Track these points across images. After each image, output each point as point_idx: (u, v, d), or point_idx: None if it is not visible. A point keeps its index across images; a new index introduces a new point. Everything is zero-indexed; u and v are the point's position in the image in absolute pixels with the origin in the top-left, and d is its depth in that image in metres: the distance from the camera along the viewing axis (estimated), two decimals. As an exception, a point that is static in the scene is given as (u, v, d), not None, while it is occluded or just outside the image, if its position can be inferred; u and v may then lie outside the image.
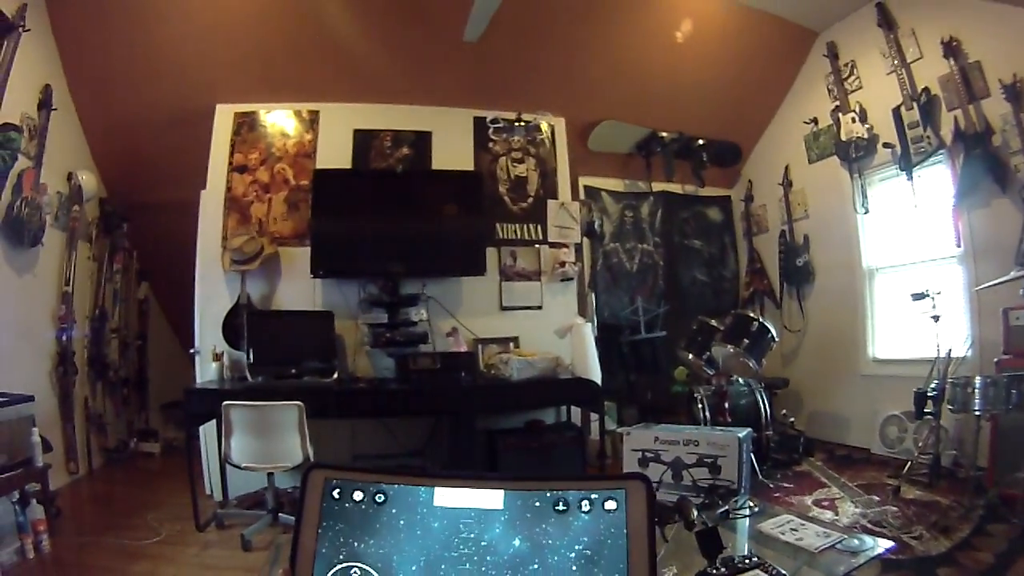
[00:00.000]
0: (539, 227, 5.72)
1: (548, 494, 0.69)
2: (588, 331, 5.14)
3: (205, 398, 4.33)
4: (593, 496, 0.68)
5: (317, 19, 5.00)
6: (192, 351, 5.08)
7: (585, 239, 6.03)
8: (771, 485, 5.20)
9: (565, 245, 5.75)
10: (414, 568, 0.67)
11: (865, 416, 5.94)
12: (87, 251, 5.63)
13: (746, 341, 4.83)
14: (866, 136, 5.64)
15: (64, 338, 5.09)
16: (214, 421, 4.16)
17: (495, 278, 5.52)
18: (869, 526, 4.29)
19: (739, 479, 2.63)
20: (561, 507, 0.68)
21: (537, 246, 5.68)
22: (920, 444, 5.13)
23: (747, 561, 2.00)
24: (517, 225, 5.65)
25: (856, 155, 5.75)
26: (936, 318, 4.68)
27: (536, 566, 0.65)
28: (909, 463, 5.01)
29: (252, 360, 4.60)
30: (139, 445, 6.25)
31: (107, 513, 4.55)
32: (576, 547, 0.66)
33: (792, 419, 5.97)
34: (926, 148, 5.11)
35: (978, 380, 3.99)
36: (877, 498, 4.80)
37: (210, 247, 5.14)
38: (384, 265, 5.02)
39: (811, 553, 2.30)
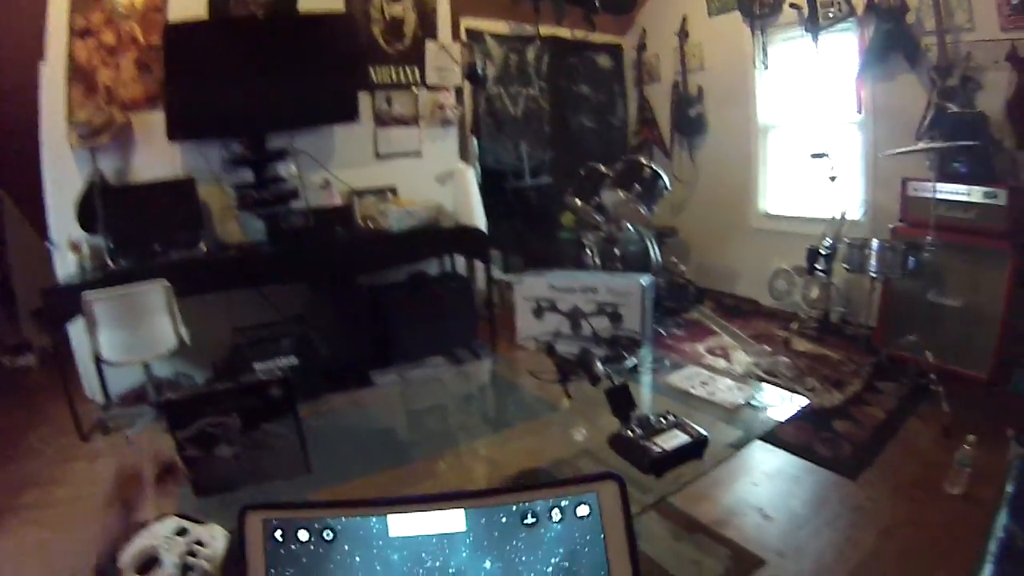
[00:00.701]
0: (417, 69, 5.31)
1: (514, 507, 0.64)
2: (471, 176, 4.93)
3: (67, 295, 3.81)
4: (563, 503, 0.64)
5: None
6: (48, 244, 4.59)
7: (467, 83, 5.69)
8: (663, 333, 5.25)
9: (445, 88, 5.42)
10: None
11: (753, 269, 6.09)
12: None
13: (638, 187, 4.70)
14: None
15: None
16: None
17: (370, 125, 5.15)
18: (763, 376, 4.36)
19: (643, 329, 2.52)
20: (530, 520, 0.63)
21: (415, 89, 5.30)
22: (810, 299, 5.30)
23: (663, 420, 1.88)
24: (392, 68, 5.22)
25: (760, 12, 5.64)
26: (833, 178, 4.74)
27: None
28: (800, 317, 5.17)
29: (111, 243, 4.17)
30: (13, 361, 5.72)
31: None
32: (552, 560, 0.62)
33: (683, 268, 6.01)
34: (836, 15, 5.07)
35: (875, 243, 4.10)
36: (769, 348, 4.93)
37: (56, 125, 4.46)
38: (247, 121, 4.57)
39: (725, 409, 2.23)
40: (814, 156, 4.79)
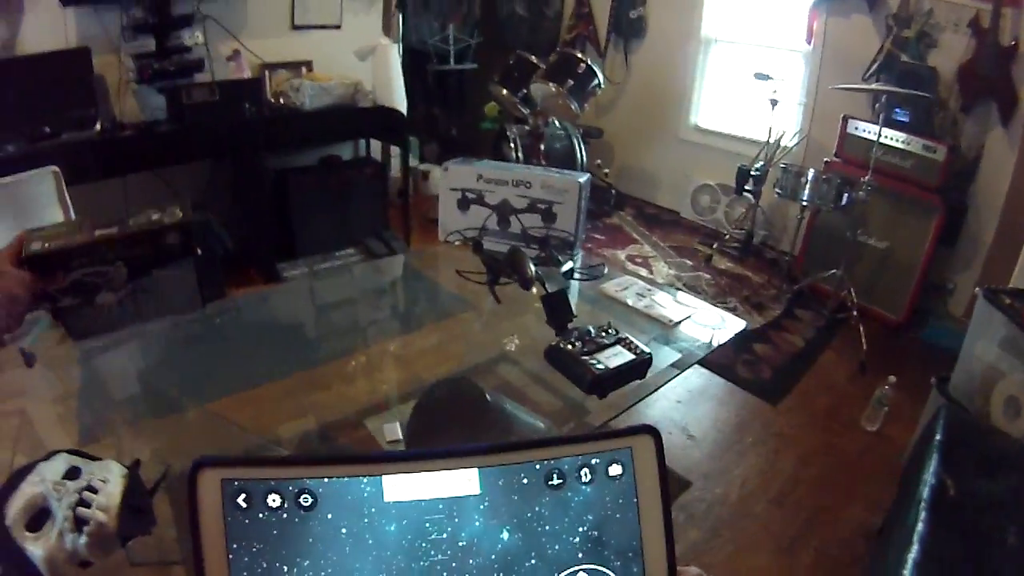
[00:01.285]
0: (342, -69, 4.90)
1: (537, 466, 0.54)
2: (394, 53, 4.64)
3: None
4: (594, 461, 0.54)
5: None
6: None
7: (398, -48, 5.31)
8: (583, 237, 5.13)
9: (374, -44, 5.02)
10: None
11: (678, 180, 6.12)
12: None
13: (570, 82, 4.50)
14: None
15: None
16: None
17: (286, -10, 4.73)
18: (685, 290, 4.36)
19: (576, 230, 2.41)
20: (555, 480, 0.53)
21: (340, -48, 4.88)
22: (733, 218, 5.33)
23: (604, 335, 1.73)
24: (315, -70, 4.81)
25: None
26: (774, 102, 4.76)
27: (533, 561, 0.52)
28: (725, 235, 5.27)
29: None
30: None
31: None
32: (580, 529, 0.53)
33: (606, 170, 5.92)
34: None
35: (811, 172, 4.11)
36: (690, 263, 4.96)
37: None
38: None
39: (665, 325, 2.11)
40: (758, 77, 4.78)
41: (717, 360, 3.59)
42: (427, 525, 0.51)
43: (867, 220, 4.29)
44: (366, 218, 4.81)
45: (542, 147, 4.74)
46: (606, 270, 2.45)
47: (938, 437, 2.01)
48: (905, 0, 4.39)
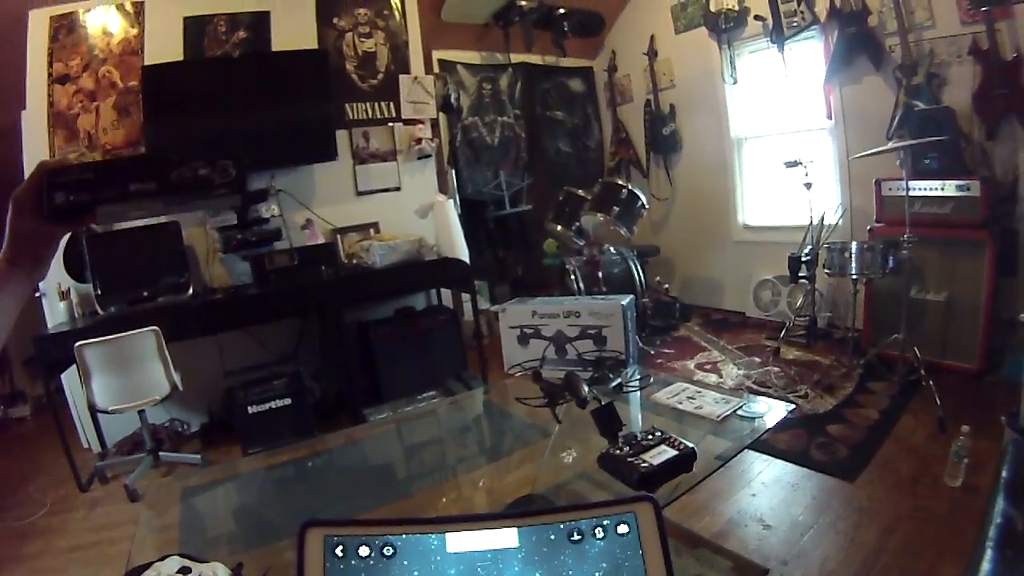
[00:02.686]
0: (392, 104, 5.38)
1: (561, 525, 0.67)
2: (450, 208, 4.96)
3: (58, 343, 3.80)
4: (605, 522, 0.68)
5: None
6: (37, 294, 4.61)
7: (442, 115, 5.75)
8: (652, 352, 5.26)
9: (420, 121, 5.47)
10: None
11: (738, 281, 6.12)
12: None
13: (616, 208, 4.75)
14: (736, 8, 5.62)
15: None
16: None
17: (348, 162, 5.20)
18: (754, 387, 4.38)
19: (626, 348, 2.53)
20: (576, 537, 0.67)
21: (391, 124, 5.36)
22: (796, 307, 5.34)
23: (651, 437, 1.89)
24: (368, 104, 5.29)
25: (725, 26, 5.73)
26: (808, 185, 4.84)
27: None
28: (787, 325, 5.20)
29: (99, 290, 4.19)
30: (7, 412, 5.78)
31: None
32: (596, 573, 0.65)
33: (667, 285, 6.04)
34: (799, 23, 5.18)
35: (854, 245, 4.12)
36: (758, 359, 4.94)
37: None
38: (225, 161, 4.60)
39: (713, 422, 2.23)
40: (788, 165, 4.88)
41: (791, 448, 3.54)
42: (479, 570, 0.65)
43: (922, 275, 4.29)
44: (445, 361, 4.99)
45: (600, 275, 4.92)
46: (652, 380, 2.57)
47: (1004, 473, 2.00)
48: (906, 48, 4.48)
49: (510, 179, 6.25)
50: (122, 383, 3.67)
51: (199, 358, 4.47)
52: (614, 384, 2.42)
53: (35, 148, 4.52)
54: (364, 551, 0.65)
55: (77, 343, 3.54)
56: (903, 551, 2.71)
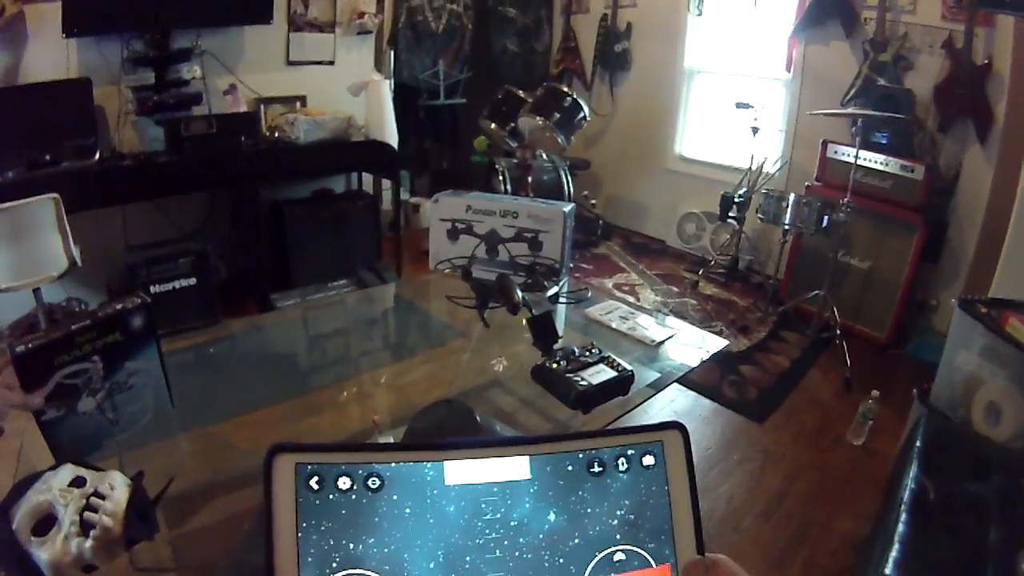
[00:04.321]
0: (338, -29, 5.02)
1: (580, 455, 0.60)
2: (385, 88, 4.74)
3: None
4: (630, 452, 0.61)
5: None
6: None
7: (389, -9, 5.43)
8: (571, 265, 5.17)
9: (366, -6, 5.12)
10: (431, 566, 0.55)
11: (664, 209, 6.18)
12: None
13: (557, 115, 4.56)
14: None
15: None
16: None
17: (282, 27, 4.83)
18: (671, 316, 4.38)
19: (562, 258, 2.43)
20: (596, 468, 0.60)
21: (334, -8, 5.00)
22: (719, 245, 5.37)
23: (588, 354, 1.78)
24: (310, -32, 4.93)
25: None
26: (756, 130, 4.90)
27: (577, 540, 0.57)
28: (710, 261, 5.36)
29: None
30: None
31: None
32: (618, 513, 0.59)
33: (593, 201, 5.98)
34: None
35: (792, 197, 4.20)
36: (676, 289, 4.98)
37: None
38: (150, 15, 4.19)
39: (648, 346, 2.17)
40: (739, 105, 4.92)
41: (704, 382, 3.65)
42: (483, 506, 0.57)
43: (850, 241, 4.39)
44: (359, 250, 4.86)
45: (530, 180, 4.79)
46: (590, 294, 2.50)
47: (918, 444, 2.07)
48: (881, 25, 4.50)
49: (449, 70, 6.02)
50: (15, 257, 3.28)
51: (101, 231, 4.15)
52: (550, 294, 2.31)
53: None
54: (345, 483, 0.55)
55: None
56: (804, 499, 2.85)
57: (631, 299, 4.65)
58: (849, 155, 4.16)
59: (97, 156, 3.99)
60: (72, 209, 3.34)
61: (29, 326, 3.93)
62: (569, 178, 5.28)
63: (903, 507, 1.80)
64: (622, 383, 1.74)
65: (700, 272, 5.18)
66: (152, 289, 3.91)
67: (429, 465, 0.57)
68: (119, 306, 1.36)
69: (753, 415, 3.45)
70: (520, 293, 2.07)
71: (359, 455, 0.56)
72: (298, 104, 4.89)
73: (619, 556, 0.58)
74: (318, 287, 4.50)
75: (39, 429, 1.27)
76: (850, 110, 4.12)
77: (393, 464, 0.56)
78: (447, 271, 2.55)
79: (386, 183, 5.32)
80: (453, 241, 2.56)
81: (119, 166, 4.01)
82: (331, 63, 5.10)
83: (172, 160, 4.08)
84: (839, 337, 3.96)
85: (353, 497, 0.54)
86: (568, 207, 2.47)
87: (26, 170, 3.76)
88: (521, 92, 4.72)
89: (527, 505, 0.57)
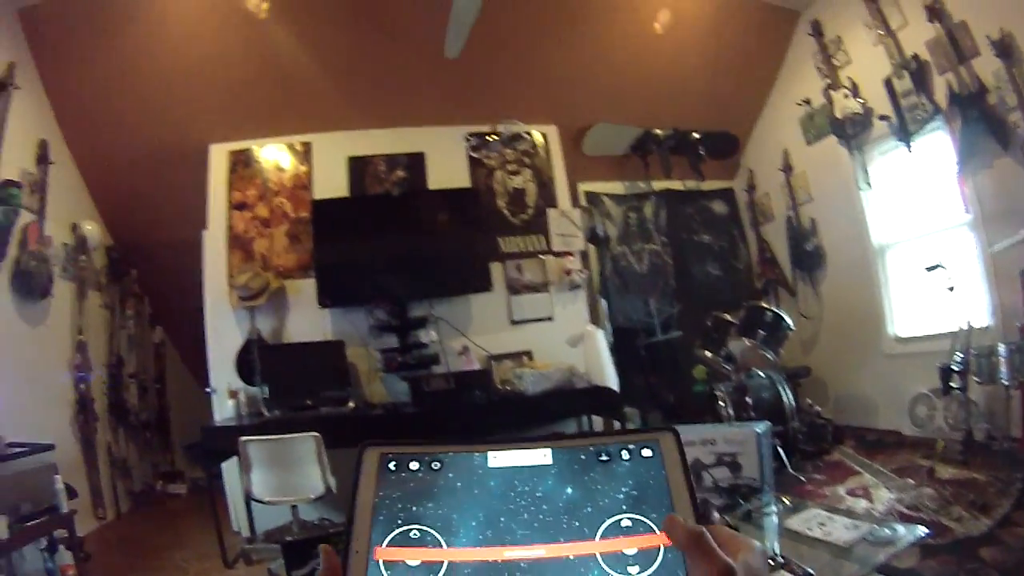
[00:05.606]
0: (542, 237, 5.71)
1: (591, 447, 0.73)
2: (600, 337, 5.09)
3: (223, 435, 4.36)
4: (631, 446, 0.72)
5: (298, 51, 5.05)
6: (208, 390, 5.12)
7: (591, 245, 5.99)
8: (803, 479, 5.09)
9: (570, 253, 5.71)
10: (473, 524, 0.69)
11: (892, 397, 5.80)
12: (98, 299, 5.70)
13: (761, 332, 4.75)
14: (861, 111, 5.54)
15: (82, 386, 5.15)
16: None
17: (503, 292, 5.50)
18: (906, 511, 4.21)
19: (761, 475, 2.56)
20: (604, 457, 0.72)
21: (542, 257, 5.65)
22: (950, 421, 5.04)
23: (772, 562, 1.94)
24: (520, 237, 5.64)
25: (853, 131, 5.66)
26: (951, 288, 4.58)
27: (589, 508, 0.69)
28: (942, 443, 4.90)
29: (267, 394, 4.61)
30: (165, 487, 6.31)
31: (136, 555, 4.59)
32: (623, 489, 0.70)
33: (818, 408, 5.86)
34: (922, 116, 5.03)
35: (1002, 348, 3.95)
36: (912, 481, 4.71)
37: (217, 286, 5.21)
38: (389, 290, 4.99)
39: (840, 548, 2.25)
40: (929, 269, 4.68)
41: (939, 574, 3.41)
42: (515, 482, 0.71)
43: None
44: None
45: (748, 400, 4.89)
46: (788, 505, 2.59)
47: None
48: None
49: (660, 306, 6.31)
50: (279, 479, 3.93)
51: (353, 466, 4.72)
52: (743, 510, 2.45)
53: (214, 264, 5.20)
54: (414, 466, 0.72)
55: (242, 437, 3.87)
56: None
57: (864, 502, 4.50)
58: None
59: (351, 404, 4.69)
60: (330, 446, 3.94)
61: (283, 534, 4.50)
62: (787, 390, 5.27)
63: None
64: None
65: (935, 455, 4.90)
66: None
67: (477, 455, 0.73)
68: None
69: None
70: (716, 515, 2.21)
71: (426, 448, 0.73)
72: (524, 358, 5.36)
73: (626, 522, 0.68)
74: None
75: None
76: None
77: (451, 454, 0.73)
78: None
79: (615, 423, 5.44)
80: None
81: (370, 414, 4.65)
82: (550, 319, 5.60)
83: (417, 411, 4.57)
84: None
85: (420, 475, 0.72)
86: (762, 426, 2.61)
87: (292, 411, 4.51)
88: (728, 315, 4.94)
89: (549, 482, 0.71)
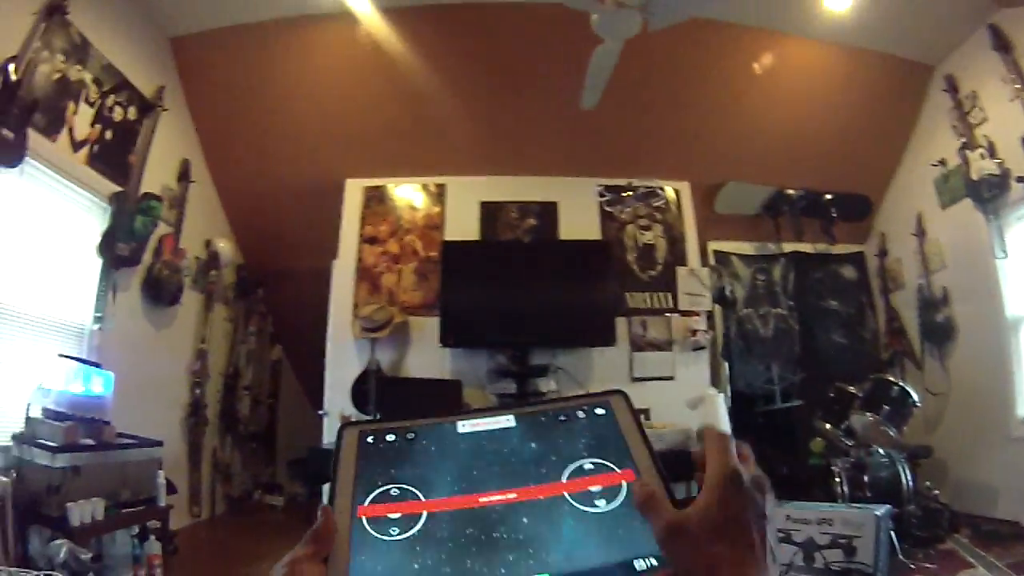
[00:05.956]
0: (669, 295, 5.68)
1: (550, 412, 0.80)
2: (720, 403, 4.86)
3: (329, 458, 4.43)
4: (585, 407, 0.80)
5: (440, 96, 5.16)
6: (321, 413, 5.29)
7: (716, 306, 5.94)
8: (912, 566, 4.93)
9: (696, 313, 5.67)
10: (448, 479, 0.74)
11: (1016, 484, 5.57)
12: (224, 313, 5.99)
13: (886, 408, 4.62)
14: (998, 172, 5.28)
15: (197, 391, 5.44)
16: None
17: (625, 348, 5.48)
18: None
19: (875, 562, 2.51)
20: (563, 418, 0.79)
21: (667, 315, 5.61)
22: None
23: None
24: (647, 294, 5.63)
25: (989, 194, 5.39)
26: None
27: (553, 458, 0.75)
28: None
29: None
30: (263, 497, 6.51)
31: (222, 557, 4.78)
32: (583, 440, 0.77)
33: (936, 492, 5.67)
34: None
35: None
36: None
37: (341, 314, 5.39)
38: (513, 336, 5.07)
39: None
40: None
41: None
42: (484, 443, 0.77)
43: None
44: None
45: (866, 479, 4.77)
46: None
47: None
48: None
49: (782, 372, 6.19)
50: None
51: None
52: None
53: (341, 293, 5.38)
54: (391, 438, 0.79)
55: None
56: None
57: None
58: None
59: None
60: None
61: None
62: (907, 471, 5.11)
63: None
64: None
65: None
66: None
67: (447, 423, 0.80)
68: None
69: None
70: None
71: (400, 423, 0.80)
72: (642, 417, 5.31)
73: (588, 466, 0.74)
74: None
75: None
76: None
77: (423, 425, 0.80)
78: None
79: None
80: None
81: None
82: (671, 378, 5.55)
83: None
84: None
85: (396, 445, 0.78)
86: (882, 510, 2.55)
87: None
88: (851, 388, 4.83)
89: (515, 440, 0.77)
